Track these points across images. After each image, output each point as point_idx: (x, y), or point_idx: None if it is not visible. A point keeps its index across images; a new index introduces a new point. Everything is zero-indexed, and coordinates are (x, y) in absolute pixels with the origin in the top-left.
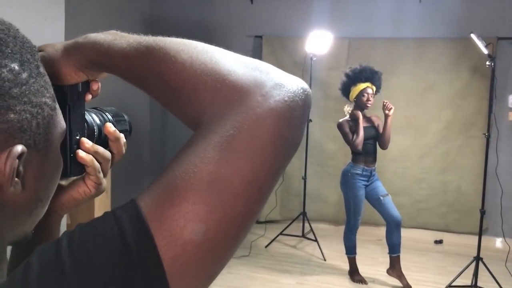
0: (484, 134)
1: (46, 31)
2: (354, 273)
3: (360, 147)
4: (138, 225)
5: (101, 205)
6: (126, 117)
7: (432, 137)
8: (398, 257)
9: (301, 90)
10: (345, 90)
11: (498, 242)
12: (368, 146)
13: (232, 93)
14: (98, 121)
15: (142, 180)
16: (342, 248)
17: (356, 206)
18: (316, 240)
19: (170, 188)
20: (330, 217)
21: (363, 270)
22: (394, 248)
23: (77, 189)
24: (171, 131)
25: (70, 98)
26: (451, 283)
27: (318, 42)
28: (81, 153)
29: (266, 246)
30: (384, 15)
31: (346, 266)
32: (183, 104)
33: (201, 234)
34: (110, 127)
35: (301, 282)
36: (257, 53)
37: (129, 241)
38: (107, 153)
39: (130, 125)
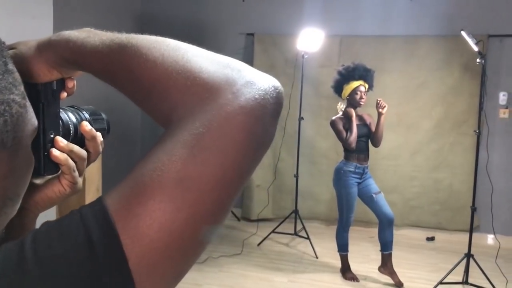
0: (475, 131)
1: (34, 29)
2: (346, 271)
3: (354, 145)
4: (104, 223)
5: None
6: (104, 115)
7: (423, 134)
8: (390, 254)
9: (273, 88)
10: (338, 88)
11: (490, 239)
12: (360, 143)
13: (203, 90)
14: (74, 120)
15: None
16: (334, 246)
17: (349, 203)
18: (308, 238)
19: (137, 186)
20: (322, 215)
21: (355, 267)
22: (386, 245)
23: (52, 188)
24: (163, 129)
25: (44, 96)
26: (442, 280)
27: (310, 40)
28: (55, 151)
29: (258, 244)
30: (375, 13)
31: (338, 263)
32: (154, 102)
33: (167, 232)
34: (86, 125)
35: (293, 280)
36: (249, 51)
37: (94, 239)
38: (83, 152)
39: (108, 123)
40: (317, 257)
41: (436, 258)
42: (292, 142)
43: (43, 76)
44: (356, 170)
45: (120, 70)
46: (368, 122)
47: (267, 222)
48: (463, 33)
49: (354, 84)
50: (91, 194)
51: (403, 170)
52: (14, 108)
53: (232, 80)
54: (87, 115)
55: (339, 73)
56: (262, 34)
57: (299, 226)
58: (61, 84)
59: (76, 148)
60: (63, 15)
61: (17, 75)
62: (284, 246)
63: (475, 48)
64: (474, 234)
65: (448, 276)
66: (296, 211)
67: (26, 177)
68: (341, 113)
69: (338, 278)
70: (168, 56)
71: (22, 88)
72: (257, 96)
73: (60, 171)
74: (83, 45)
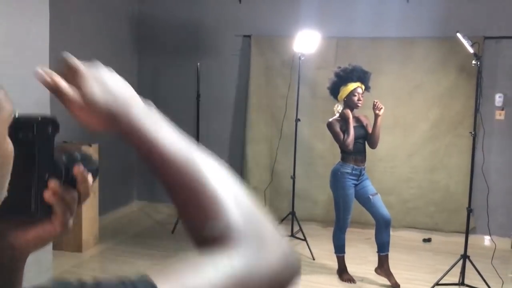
0: (471, 132)
1: (31, 32)
2: (343, 272)
3: (351, 146)
4: None
5: (89, 207)
6: (93, 157)
7: (420, 136)
8: (387, 255)
9: (295, 257)
10: (334, 89)
11: (486, 240)
12: (358, 145)
13: (241, 238)
14: (65, 161)
15: (130, 179)
16: (331, 248)
17: (346, 205)
18: (305, 240)
19: None
20: (319, 217)
21: (352, 269)
22: (383, 246)
23: (43, 228)
24: None
25: (40, 139)
26: (439, 281)
27: (306, 41)
28: (48, 194)
29: None
30: (372, 15)
31: (335, 265)
32: (196, 223)
33: None
34: (79, 168)
35: None
36: (245, 53)
37: None
38: (75, 194)
39: (97, 166)
40: (314, 259)
41: (433, 259)
42: (288, 143)
43: (91, 122)
44: (353, 172)
45: (182, 184)
46: (364, 123)
47: None
48: (458, 35)
49: (352, 86)
50: None
51: (399, 171)
52: None
53: (263, 238)
54: (78, 156)
55: (337, 74)
56: (259, 36)
57: (295, 228)
58: (55, 127)
59: (68, 190)
60: (60, 16)
61: None
62: None
63: (471, 50)
64: (470, 236)
65: (444, 277)
66: (293, 213)
67: (5, 169)
68: (337, 114)
69: (335, 279)
70: (223, 192)
71: None
72: (285, 261)
73: (52, 213)
74: (157, 144)
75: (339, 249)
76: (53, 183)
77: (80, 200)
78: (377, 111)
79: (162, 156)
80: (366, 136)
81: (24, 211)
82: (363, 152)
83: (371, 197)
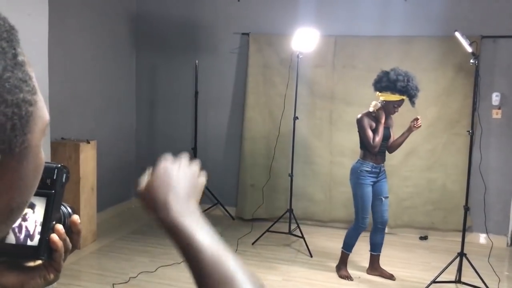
0: (468, 131)
1: (30, 27)
2: (341, 268)
3: (377, 149)
4: None
5: (87, 203)
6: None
7: (417, 134)
8: (379, 256)
9: None
10: (381, 88)
11: (482, 238)
12: (381, 145)
13: None
14: (65, 211)
15: (128, 177)
16: (328, 245)
17: (365, 203)
18: (302, 237)
19: None
20: (316, 215)
21: (349, 266)
22: (376, 246)
23: (38, 274)
24: (158, 129)
25: (57, 184)
26: (436, 278)
27: (305, 39)
28: (55, 237)
29: (253, 243)
30: (370, 13)
31: (332, 262)
32: None
33: None
34: (77, 219)
35: (287, 278)
36: (244, 51)
37: None
38: (70, 244)
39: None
40: (311, 256)
41: (429, 257)
42: (286, 141)
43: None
44: (373, 170)
45: (211, 279)
46: (390, 125)
47: (261, 221)
48: (457, 33)
49: (399, 97)
50: (86, 193)
51: (397, 170)
52: (24, 108)
53: None
54: (69, 209)
55: (394, 81)
56: (257, 34)
57: (293, 225)
58: (67, 177)
59: (68, 238)
60: (59, 13)
61: (27, 67)
62: (279, 245)
63: (469, 49)
64: (467, 234)
65: (441, 275)
66: (290, 210)
67: (34, 181)
68: (371, 109)
69: (332, 276)
70: None
71: (32, 82)
72: None
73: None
74: (194, 242)
75: (347, 247)
76: (59, 228)
77: (70, 251)
78: (413, 127)
79: (198, 254)
80: (389, 137)
81: (30, 251)
82: (383, 152)
83: (383, 199)
